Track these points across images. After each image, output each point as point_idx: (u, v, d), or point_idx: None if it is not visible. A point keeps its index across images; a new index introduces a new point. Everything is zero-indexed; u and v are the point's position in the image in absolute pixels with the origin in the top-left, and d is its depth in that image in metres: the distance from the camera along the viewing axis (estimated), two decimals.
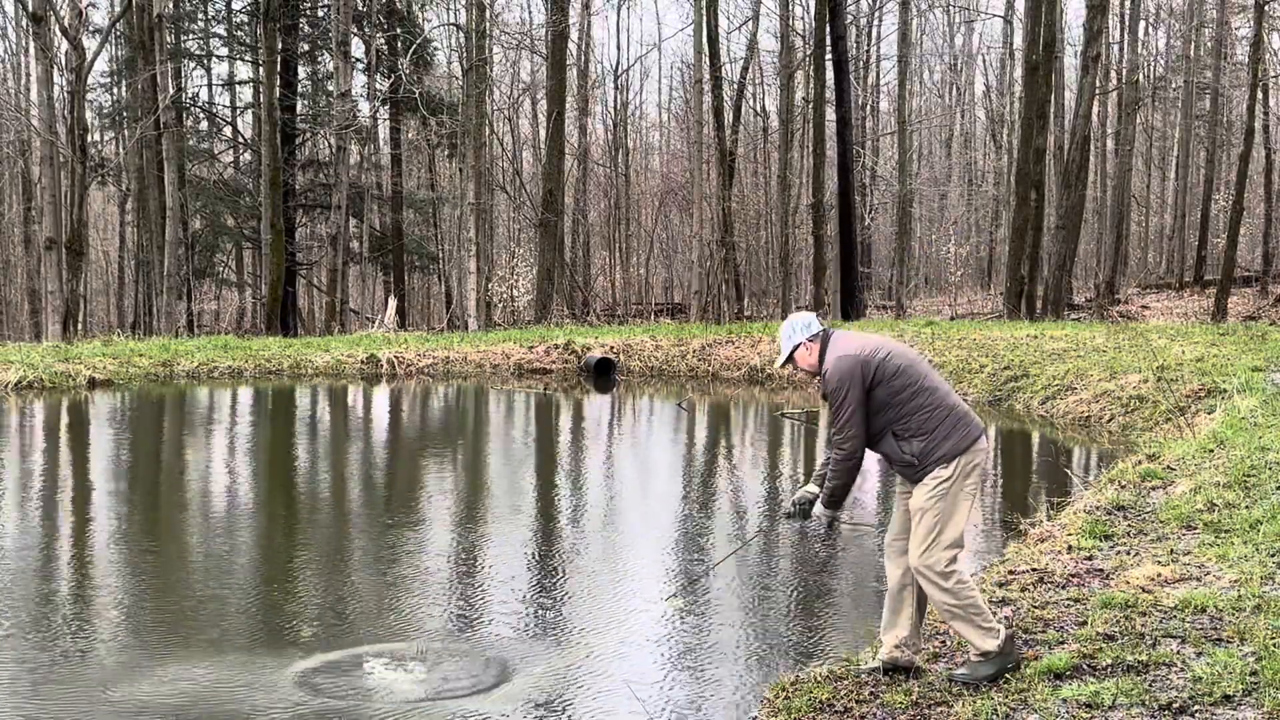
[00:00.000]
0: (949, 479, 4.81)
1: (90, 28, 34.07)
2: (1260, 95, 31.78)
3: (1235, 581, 5.83)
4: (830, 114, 31.75)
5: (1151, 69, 42.00)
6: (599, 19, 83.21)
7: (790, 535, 9.17)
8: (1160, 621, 5.35)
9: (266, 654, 6.11)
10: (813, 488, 5.16)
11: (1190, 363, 14.78)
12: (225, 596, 7.36)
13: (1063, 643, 5.19)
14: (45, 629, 6.59)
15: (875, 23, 41.33)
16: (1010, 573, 6.45)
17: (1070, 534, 7.19)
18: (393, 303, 29.69)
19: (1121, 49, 36.96)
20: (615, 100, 44.53)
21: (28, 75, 40.01)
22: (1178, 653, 4.95)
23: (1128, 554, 6.64)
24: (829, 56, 30.88)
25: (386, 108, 35.85)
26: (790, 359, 5.06)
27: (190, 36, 36.74)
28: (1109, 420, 13.84)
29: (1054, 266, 27.91)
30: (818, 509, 5.09)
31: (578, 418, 17.19)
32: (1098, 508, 7.82)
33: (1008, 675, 4.80)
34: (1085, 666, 4.86)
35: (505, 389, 19.27)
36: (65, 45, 29.10)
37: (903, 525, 5.03)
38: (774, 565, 8.38)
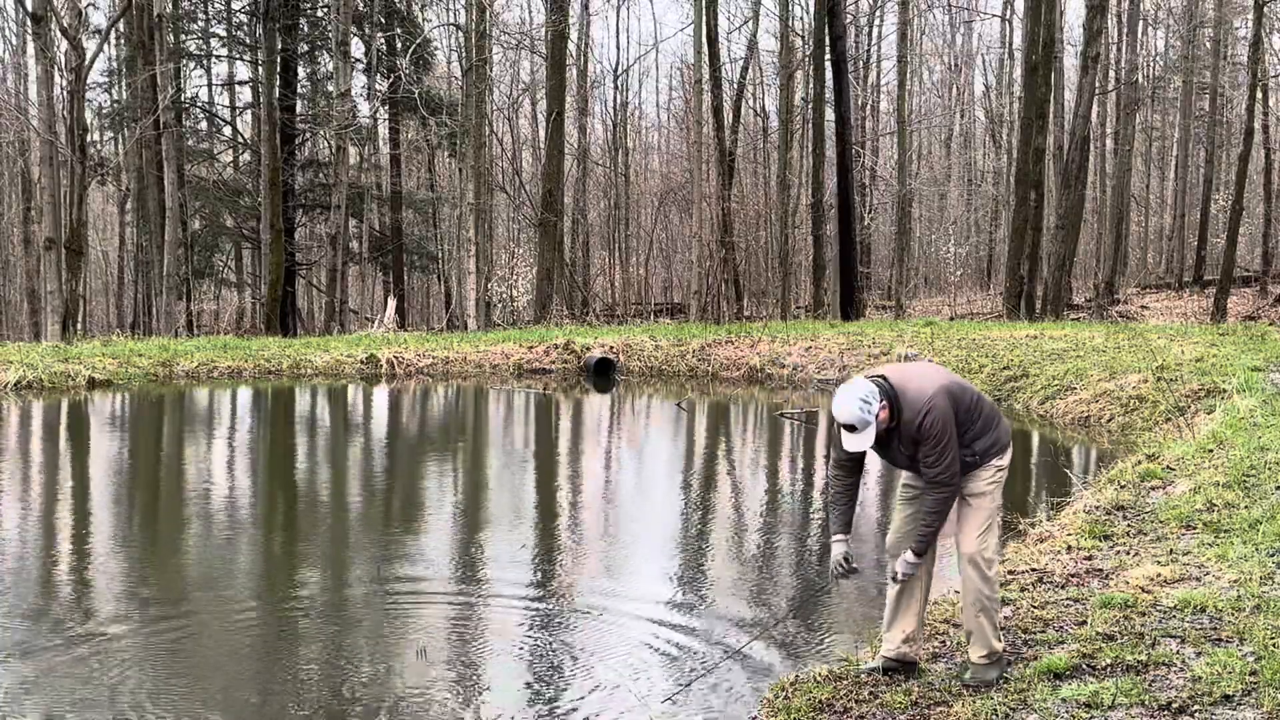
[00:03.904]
0: (1005, 467, 4.95)
1: (90, 28, 34.03)
2: (1260, 95, 31.76)
3: (1235, 581, 5.83)
4: (830, 114, 31.75)
5: (1151, 69, 41.98)
6: (599, 19, 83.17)
7: (792, 534, 9.17)
8: (1160, 621, 5.36)
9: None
10: (842, 542, 4.96)
11: (1190, 363, 14.78)
12: (224, 599, 7.36)
13: (1062, 643, 5.19)
14: (43, 627, 6.60)
15: (875, 22, 41.29)
16: (1010, 573, 6.45)
17: (1070, 534, 7.19)
18: (392, 303, 29.67)
19: (1121, 49, 36.95)
20: (615, 100, 44.54)
21: (27, 75, 40.01)
22: (1177, 653, 4.95)
23: (1127, 554, 6.64)
24: (828, 56, 30.87)
25: (386, 108, 35.84)
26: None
27: (190, 36, 36.69)
28: (1109, 420, 13.84)
29: (1053, 266, 27.92)
30: (906, 562, 4.87)
31: (578, 418, 17.19)
32: (1097, 508, 7.82)
33: (1005, 676, 4.84)
34: (1085, 666, 4.87)
35: (505, 389, 19.26)
36: (65, 45, 29.03)
37: (906, 525, 5.03)
38: (773, 565, 8.38)
